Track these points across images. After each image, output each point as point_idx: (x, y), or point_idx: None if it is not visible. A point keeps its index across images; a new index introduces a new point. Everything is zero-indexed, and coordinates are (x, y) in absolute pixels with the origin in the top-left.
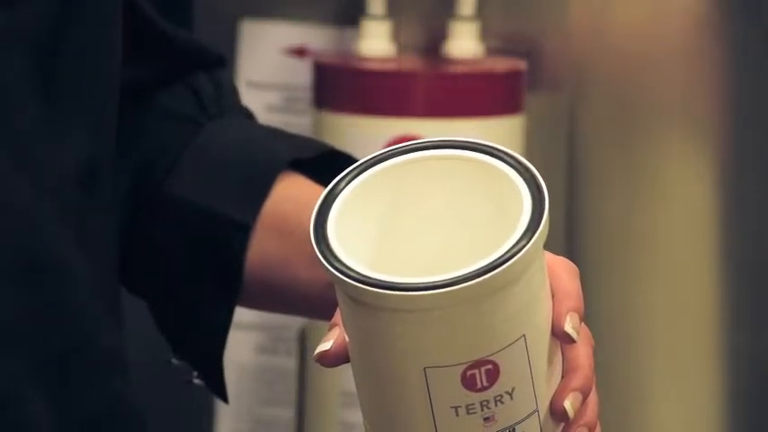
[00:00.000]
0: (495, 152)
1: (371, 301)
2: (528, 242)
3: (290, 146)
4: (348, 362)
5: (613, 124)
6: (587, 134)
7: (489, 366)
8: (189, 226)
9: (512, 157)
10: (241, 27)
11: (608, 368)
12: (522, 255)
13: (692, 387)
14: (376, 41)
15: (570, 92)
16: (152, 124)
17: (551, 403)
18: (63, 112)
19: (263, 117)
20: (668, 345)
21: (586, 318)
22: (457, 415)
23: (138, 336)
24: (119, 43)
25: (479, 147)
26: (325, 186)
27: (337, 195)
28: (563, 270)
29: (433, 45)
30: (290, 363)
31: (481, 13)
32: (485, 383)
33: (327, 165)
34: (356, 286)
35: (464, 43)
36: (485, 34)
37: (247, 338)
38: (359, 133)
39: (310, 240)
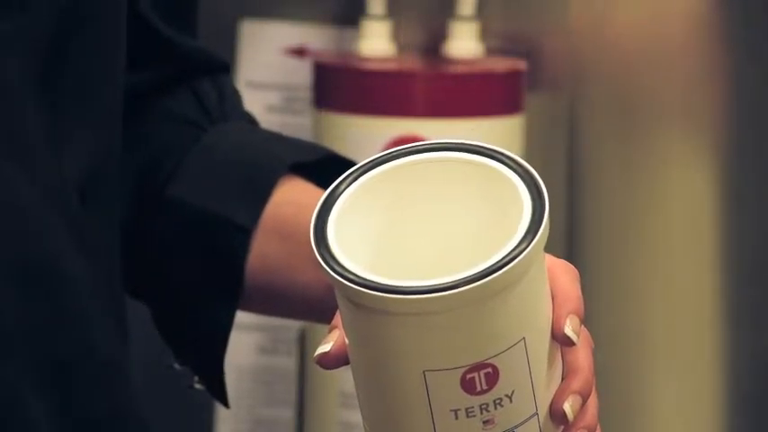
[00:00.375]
0: (496, 155)
1: (371, 305)
2: (528, 245)
3: (291, 150)
4: (348, 364)
5: (613, 124)
6: (587, 134)
7: (489, 369)
8: (190, 229)
9: (512, 159)
10: (241, 27)
11: (608, 368)
12: (523, 258)
13: (692, 387)
14: (376, 41)
15: (570, 92)
16: (155, 128)
17: (551, 406)
18: (65, 117)
19: (263, 117)
20: (668, 344)
21: (586, 317)
22: (456, 418)
23: (139, 336)
24: (123, 49)
25: (479, 149)
26: (324, 189)
27: (337, 198)
28: (563, 273)
29: (433, 45)
30: (290, 363)
31: (481, 13)
32: (484, 387)
33: (328, 169)
34: (355, 289)
35: (464, 43)
36: (485, 34)
37: (247, 339)
38: (359, 133)
39: (310, 243)
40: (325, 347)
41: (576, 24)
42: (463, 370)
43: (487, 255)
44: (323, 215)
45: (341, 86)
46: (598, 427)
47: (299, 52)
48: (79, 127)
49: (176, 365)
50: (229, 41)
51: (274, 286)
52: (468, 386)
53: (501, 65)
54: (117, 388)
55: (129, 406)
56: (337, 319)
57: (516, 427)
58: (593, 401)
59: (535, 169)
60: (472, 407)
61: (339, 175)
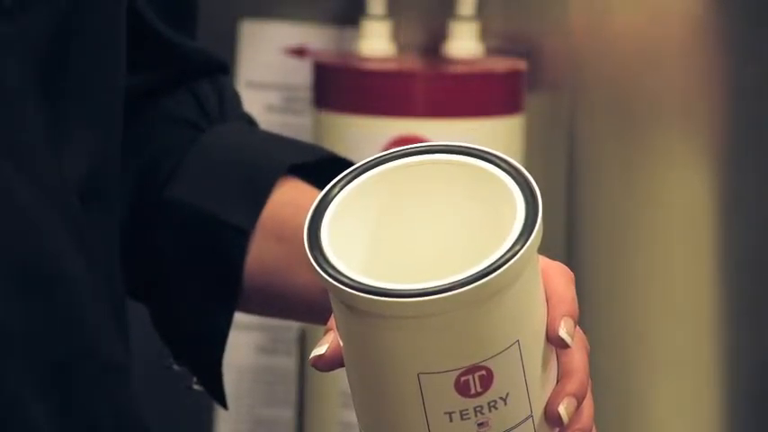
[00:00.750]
0: (489, 156)
1: (364, 308)
2: (522, 247)
3: (290, 151)
4: (343, 366)
5: (613, 124)
6: (587, 134)
7: (483, 372)
8: (188, 230)
9: (505, 161)
10: (241, 27)
11: (607, 369)
12: (516, 260)
13: (692, 387)
14: (376, 41)
15: (570, 92)
16: (154, 129)
17: (546, 408)
18: (65, 118)
19: (263, 117)
20: (667, 344)
21: (586, 318)
22: (451, 421)
23: (139, 336)
24: (122, 51)
25: (473, 151)
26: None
27: (331, 201)
28: (557, 274)
29: (433, 45)
30: (290, 363)
31: (481, 13)
32: (478, 389)
33: (327, 170)
34: (348, 293)
35: (464, 43)
36: (485, 34)
37: (247, 339)
38: (359, 133)
39: (303, 246)
40: (320, 350)
41: (576, 24)
42: (457, 372)
43: (481, 257)
44: (316, 218)
45: (341, 86)
46: (594, 429)
47: (299, 52)
48: (79, 128)
49: (175, 366)
50: (229, 41)
51: (272, 287)
52: (462, 389)
53: (501, 65)
54: (117, 389)
55: (130, 407)
56: (332, 321)
57: (511, 429)
58: (588, 403)
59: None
60: (467, 409)
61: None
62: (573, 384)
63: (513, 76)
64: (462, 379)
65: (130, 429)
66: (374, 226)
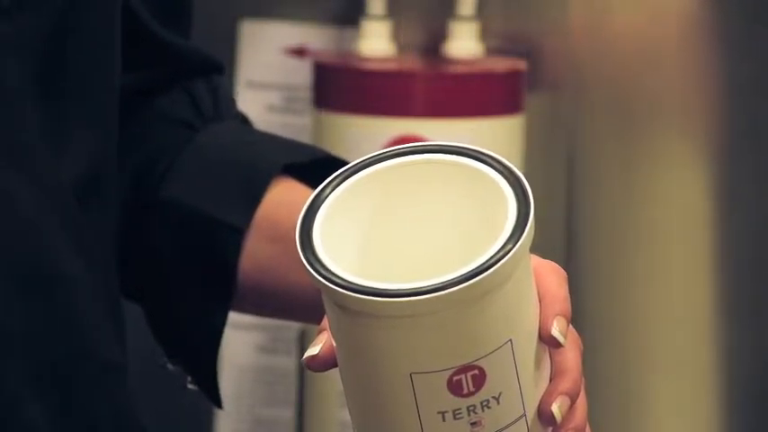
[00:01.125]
0: (481, 156)
1: (356, 308)
2: (513, 246)
3: (285, 150)
4: (337, 366)
5: (613, 124)
6: (587, 134)
7: (475, 371)
8: (183, 229)
9: (497, 160)
10: (241, 27)
11: (606, 367)
12: (508, 259)
13: (691, 387)
14: (376, 41)
15: (570, 92)
16: (149, 129)
17: (539, 407)
18: (63, 120)
19: (263, 117)
20: (666, 344)
21: (585, 317)
22: (444, 420)
23: (139, 335)
24: (118, 50)
25: (465, 151)
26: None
27: (323, 201)
28: (550, 273)
29: (433, 45)
30: (290, 363)
31: (481, 13)
32: (471, 389)
33: (322, 170)
34: (340, 293)
35: (464, 43)
36: (485, 34)
37: (247, 338)
38: (359, 133)
39: (296, 246)
40: (313, 350)
41: (576, 24)
42: (450, 372)
43: (473, 256)
44: (309, 218)
45: (341, 86)
46: (587, 427)
47: (299, 52)
48: (77, 128)
49: (169, 365)
50: (229, 41)
51: (267, 287)
52: (455, 388)
53: (501, 65)
54: (115, 389)
55: (128, 407)
56: (325, 321)
57: (504, 428)
58: (581, 402)
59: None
60: (459, 409)
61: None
62: (566, 383)
63: (513, 76)
64: (455, 378)
65: (128, 429)
66: (366, 226)
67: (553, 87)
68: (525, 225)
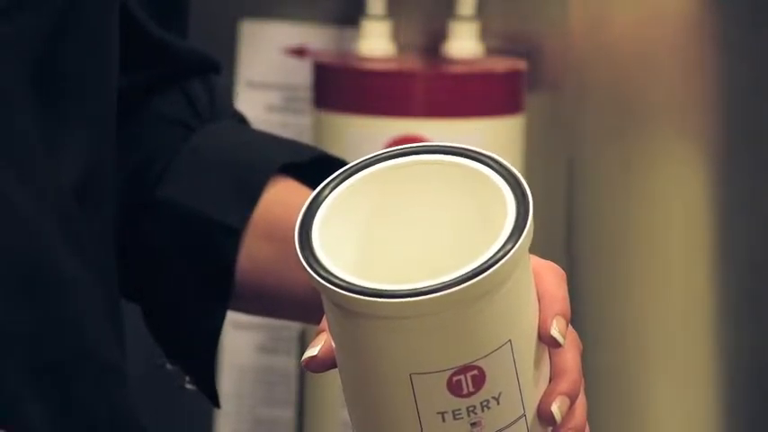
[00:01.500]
0: (480, 156)
1: (356, 308)
2: (513, 247)
3: (282, 150)
4: (336, 367)
5: (613, 124)
6: (587, 134)
7: (475, 372)
8: (180, 230)
9: (496, 161)
10: (241, 27)
11: (606, 367)
12: (507, 259)
13: (691, 387)
14: (376, 41)
15: (570, 92)
16: (145, 129)
17: (539, 407)
18: (61, 121)
19: (263, 117)
20: (666, 343)
21: (585, 317)
22: (443, 421)
23: (138, 335)
24: (116, 50)
25: (463, 151)
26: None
27: (322, 201)
28: (549, 274)
29: (433, 45)
30: (290, 363)
31: (481, 13)
32: (471, 389)
33: (320, 169)
34: (340, 293)
35: (464, 43)
36: (485, 34)
37: (247, 338)
38: (359, 133)
39: (294, 246)
40: (312, 351)
41: (576, 24)
42: (450, 372)
43: (472, 257)
44: (308, 218)
45: (341, 86)
46: (587, 427)
47: (299, 52)
48: (75, 129)
49: (168, 365)
50: (229, 41)
51: (265, 287)
52: (454, 388)
53: (501, 65)
54: (114, 390)
55: (127, 408)
56: (324, 322)
57: (504, 428)
58: (581, 402)
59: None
60: (459, 409)
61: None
62: (566, 383)
63: (513, 76)
64: (455, 379)
65: (128, 430)
66: (365, 226)
67: (553, 87)
68: (524, 225)
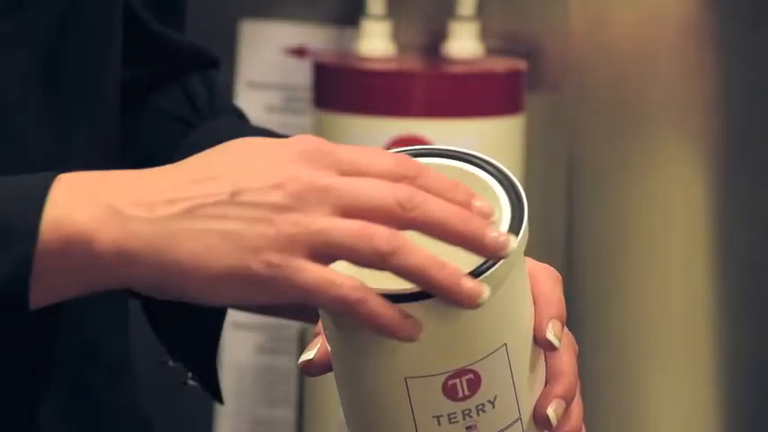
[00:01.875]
0: (474, 160)
1: None
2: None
3: None
4: (332, 370)
5: (613, 124)
6: (587, 134)
7: (470, 376)
8: None
9: (490, 164)
10: (241, 27)
11: (606, 368)
12: (502, 263)
13: (691, 388)
14: (376, 41)
15: (570, 92)
16: (145, 125)
17: (534, 411)
18: (66, 119)
19: (263, 117)
20: (666, 344)
21: (585, 318)
22: (439, 424)
23: (137, 335)
24: (118, 49)
25: (458, 154)
26: None
27: None
28: (545, 277)
29: (433, 45)
30: (290, 363)
31: (481, 13)
32: (466, 393)
33: None
34: None
35: (464, 43)
36: (485, 34)
37: (247, 338)
38: (359, 133)
39: None
40: (308, 354)
41: (576, 24)
42: (445, 376)
43: (467, 260)
44: None
45: (341, 86)
46: (583, 430)
47: (299, 52)
48: (80, 126)
49: (170, 362)
50: (229, 41)
51: None
52: (450, 392)
53: (501, 65)
54: (123, 388)
55: (135, 406)
56: (321, 325)
57: None
58: (577, 405)
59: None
60: (455, 413)
61: None
62: (561, 386)
63: (513, 76)
64: (450, 383)
65: (136, 428)
66: None
67: (553, 87)
68: (519, 229)
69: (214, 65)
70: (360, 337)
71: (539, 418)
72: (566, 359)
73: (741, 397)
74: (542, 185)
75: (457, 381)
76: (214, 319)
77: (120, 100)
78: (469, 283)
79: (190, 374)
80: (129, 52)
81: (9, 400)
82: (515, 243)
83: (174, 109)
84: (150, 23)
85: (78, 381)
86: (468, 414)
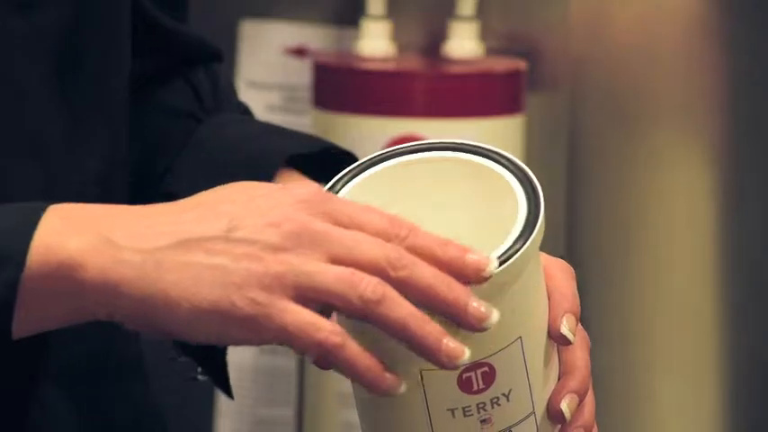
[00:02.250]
0: (491, 154)
1: None
2: (524, 244)
3: (287, 142)
4: None
5: (613, 124)
6: (587, 134)
7: (486, 369)
8: None
9: (507, 159)
10: (241, 27)
11: (608, 368)
12: (519, 256)
13: (692, 386)
14: (376, 41)
15: (570, 92)
16: (151, 121)
17: (548, 405)
18: (82, 116)
19: (263, 117)
20: (668, 344)
21: (586, 317)
22: (453, 417)
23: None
24: (128, 43)
25: (474, 148)
26: (322, 183)
27: None
28: (559, 271)
29: (432, 45)
30: (290, 363)
31: (481, 13)
32: (481, 386)
33: (324, 161)
34: None
35: (464, 43)
36: (485, 34)
37: None
38: (358, 133)
39: None
40: None
41: (576, 24)
42: (460, 369)
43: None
44: None
45: (341, 86)
46: (595, 425)
47: (299, 52)
48: (95, 121)
49: (179, 357)
50: (229, 41)
51: None
52: (465, 385)
53: (501, 65)
54: (134, 385)
55: (147, 403)
56: (334, 319)
57: (513, 426)
58: (589, 400)
59: (535, 169)
60: (469, 406)
61: (335, 168)
62: (575, 381)
63: (513, 76)
64: (465, 375)
65: (149, 425)
66: None
67: (553, 87)
68: (535, 223)
69: (218, 57)
70: (375, 329)
71: (552, 412)
72: (579, 354)
73: (743, 396)
74: (542, 185)
75: (472, 374)
76: None
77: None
78: (451, 344)
79: (199, 369)
80: (136, 44)
81: (20, 399)
82: (496, 316)
83: (181, 104)
84: (157, 16)
85: (95, 379)
86: (482, 407)
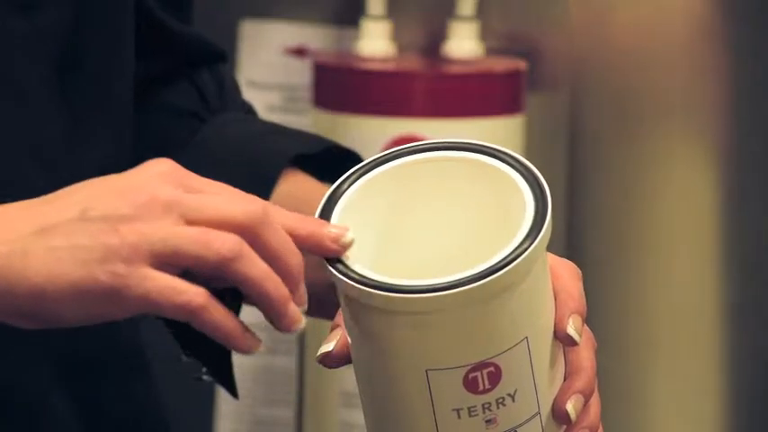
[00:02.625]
0: (498, 154)
1: (373, 304)
2: (531, 244)
3: (291, 142)
4: (350, 363)
5: (613, 124)
6: (587, 134)
7: (491, 369)
8: None
9: (514, 158)
10: (241, 27)
11: (608, 368)
12: (526, 257)
13: (693, 387)
14: (376, 41)
15: (570, 92)
16: (156, 121)
17: (553, 405)
18: (82, 116)
19: (263, 117)
20: (669, 344)
21: (586, 317)
22: (459, 417)
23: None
24: (132, 44)
25: (482, 148)
26: (326, 183)
27: (340, 196)
28: (565, 272)
29: (432, 45)
30: (290, 363)
31: (481, 13)
32: (487, 386)
33: (329, 161)
34: (357, 288)
35: (464, 43)
36: (485, 34)
37: None
38: (359, 133)
39: None
40: (327, 347)
41: (576, 24)
42: (466, 369)
43: (491, 254)
44: (326, 212)
45: (341, 86)
46: (600, 426)
47: (299, 52)
48: (95, 123)
49: (184, 357)
50: (229, 41)
51: None
52: (470, 385)
53: (501, 65)
54: (139, 384)
55: (151, 402)
56: (339, 317)
57: (519, 426)
58: (595, 401)
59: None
60: (475, 406)
61: (339, 168)
62: (581, 382)
63: (513, 76)
64: (471, 375)
65: (151, 424)
66: (383, 222)
67: (553, 87)
68: (543, 223)
69: (222, 58)
70: (381, 329)
71: (558, 412)
72: (585, 355)
73: (743, 396)
74: None
75: (478, 374)
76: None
77: (133, 95)
78: (291, 309)
79: (204, 369)
80: (140, 45)
81: (24, 396)
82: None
83: (185, 104)
84: (161, 17)
85: (99, 378)
86: (488, 407)
